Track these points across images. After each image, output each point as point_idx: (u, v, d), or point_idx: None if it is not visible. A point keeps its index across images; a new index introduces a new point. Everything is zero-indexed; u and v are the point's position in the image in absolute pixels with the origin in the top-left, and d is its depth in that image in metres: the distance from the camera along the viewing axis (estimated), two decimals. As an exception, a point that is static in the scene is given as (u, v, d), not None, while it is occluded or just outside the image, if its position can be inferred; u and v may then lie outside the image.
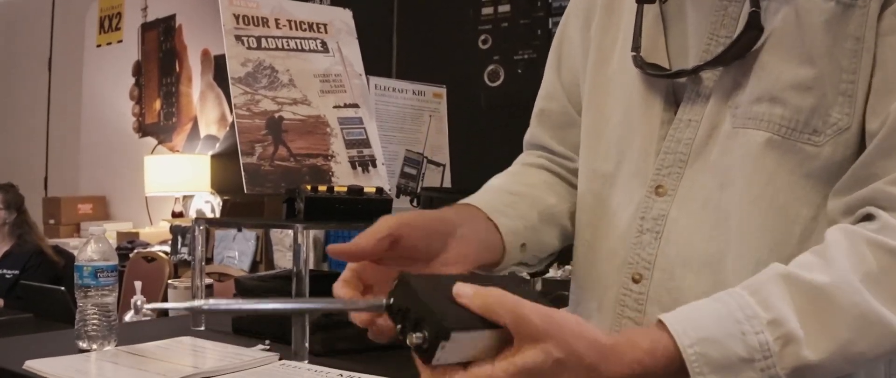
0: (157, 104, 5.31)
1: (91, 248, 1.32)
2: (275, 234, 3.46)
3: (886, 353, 0.63)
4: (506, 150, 1.05)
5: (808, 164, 0.72)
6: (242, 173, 1.46)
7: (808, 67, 0.72)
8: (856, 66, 0.71)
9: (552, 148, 0.97)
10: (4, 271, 3.14)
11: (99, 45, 5.64)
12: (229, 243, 3.68)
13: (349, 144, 1.63)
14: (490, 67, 3.90)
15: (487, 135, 3.35)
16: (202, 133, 5.04)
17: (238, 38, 1.58)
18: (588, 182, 0.89)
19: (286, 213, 1.49)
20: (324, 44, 1.69)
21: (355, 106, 1.67)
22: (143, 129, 5.40)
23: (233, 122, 4.77)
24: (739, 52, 0.74)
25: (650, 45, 0.82)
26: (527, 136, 1.02)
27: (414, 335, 0.58)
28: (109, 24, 5.58)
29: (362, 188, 1.41)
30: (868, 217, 0.68)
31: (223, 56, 5.12)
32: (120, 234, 4.75)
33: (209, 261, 3.83)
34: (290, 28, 1.66)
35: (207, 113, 5.02)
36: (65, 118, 5.79)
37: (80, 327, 1.30)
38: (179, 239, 3.90)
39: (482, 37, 3.94)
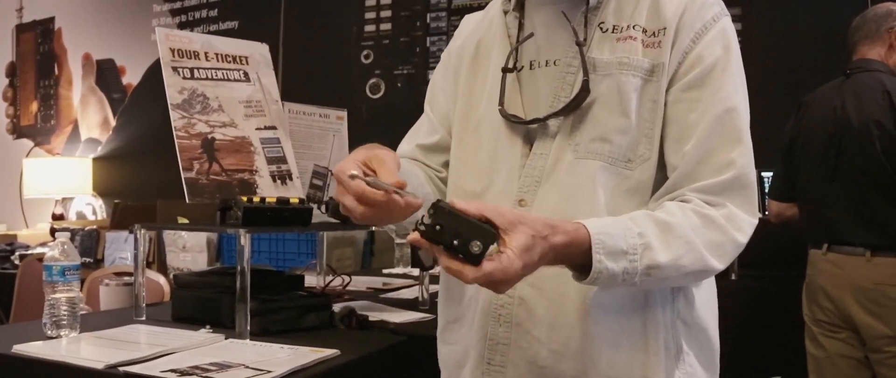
0: (34, 106, 5.26)
1: (58, 250, 1.55)
2: (168, 235, 3.63)
3: (697, 271, 1.01)
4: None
5: (626, 182, 1.08)
6: (184, 186, 1.72)
7: (625, 119, 1.08)
8: (654, 117, 1.08)
9: (424, 161, 1.28)
10: None
11: (-33, 44, 5.52)
12: (121, 245, 3.79)
13: (270, 161, 1.92)
14: (371, 81, 4.20)
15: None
16: (83, 136, 5.05)
17: (175, 69, 1.83)
18: (457, 197, 1.23)
19: (220, 219, 1.77)
20: (246, 74, 1.97)
21: (274, 128, 1.96)
22: (17, 131, 5.33)
23: (116, 127, 4.84)
24: (575, 107, 1.09)
25: (510, 102, 1.15)
26: (399, 150, 1.29)
27: (474, 243, 0.81)
28: (-21, 23, 5.48)
29: (288, 199, 1.71)
30: (684, 201, 1.04)
31: (106, 60, 5.18)
32: (-4, 237, 4.71)
33: (100, 262, 3.94)
34: (218, 60, 1.93)
35: (89, 116, 5.04)
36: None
37: (49, 317, 1.53)
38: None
39: (365, 52, 4.22)
